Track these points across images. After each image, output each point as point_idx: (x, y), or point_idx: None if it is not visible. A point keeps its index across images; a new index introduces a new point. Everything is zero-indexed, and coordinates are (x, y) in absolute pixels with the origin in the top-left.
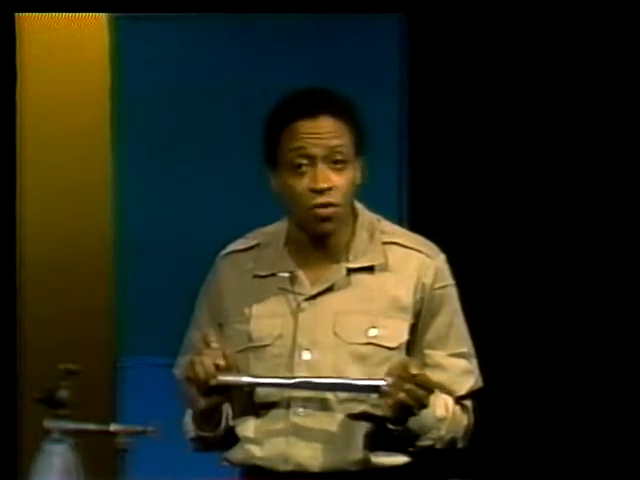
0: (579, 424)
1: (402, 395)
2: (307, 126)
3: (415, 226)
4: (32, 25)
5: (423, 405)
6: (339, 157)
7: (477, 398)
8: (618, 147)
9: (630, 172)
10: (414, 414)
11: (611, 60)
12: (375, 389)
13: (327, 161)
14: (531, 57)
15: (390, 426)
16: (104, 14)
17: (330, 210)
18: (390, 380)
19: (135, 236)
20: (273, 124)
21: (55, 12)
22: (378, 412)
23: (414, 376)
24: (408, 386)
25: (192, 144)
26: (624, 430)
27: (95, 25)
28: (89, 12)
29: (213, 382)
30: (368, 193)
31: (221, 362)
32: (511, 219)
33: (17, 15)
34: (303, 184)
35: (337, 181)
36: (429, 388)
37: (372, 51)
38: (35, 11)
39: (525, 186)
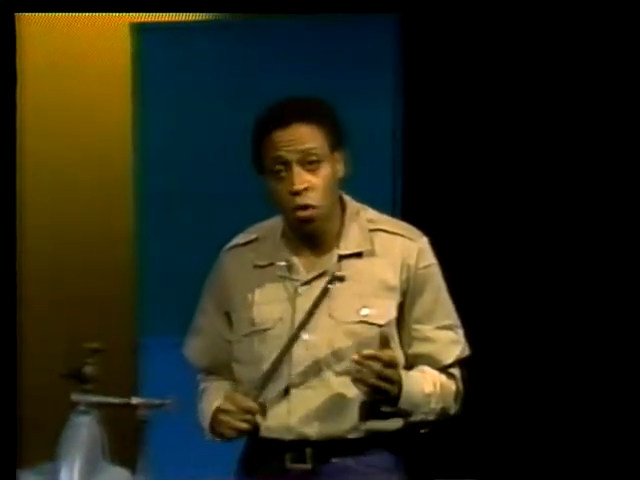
0: (569, 406)
1: (373, 380)
2: (280, 135)
3: (407, 219)
4: (32, 25)
5: (393, 381)
6: (313, 158)
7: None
8: (608, 144)
9: (618, 168)
10: (389, 393)
11: (608, 61)
12: None
13: (302, 164)
14: (523, 55)
15: (383, 409)
16: (104, 14)
17: (309, 212)
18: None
19: (155, 224)
20: (255, 136)
21: (55, 12)
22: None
23: (378, 357)
24: (377, 368)
25: (207, 142)
26: (615, 413)
27: (95, 25)
28: (88, 12)
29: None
30: (363, 189)
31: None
32: (501, 217)
33: (17, 15)
34: (283, 188)
35: (314, 181)
36: (394, 364)
37: (367, 50)
38: (35, 11)
39: (515, 181)
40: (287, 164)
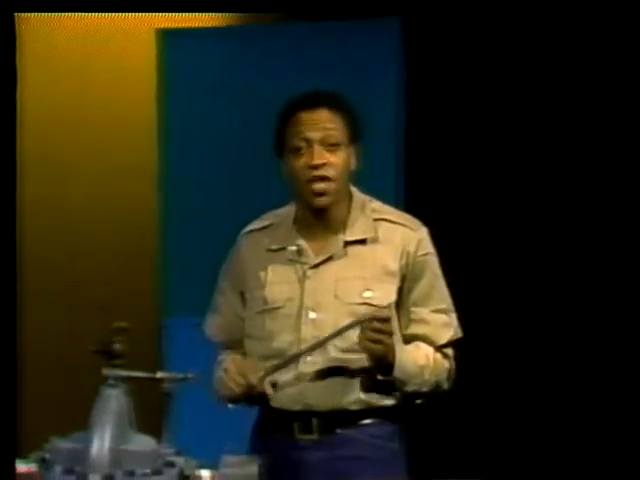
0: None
1: (370, 334)
2: (307, 116)
3: (409, 211)
4: (32, 25)
5: (390, 334)
6: (333, 140)
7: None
8: (608, 141)
9: (618, 167)
10: (386, 350)
11: (608, 62)
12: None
13: (323, 143)
14: (523, 54)
15: (379, 377)
16: (105, 14)
17: (324, 184)
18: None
19: (178, 212)
20: (282, 117)
21: (55, 12)
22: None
23: (374, 316)
24: (374, 325)
25: (228, 139)
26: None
27: (96, 25)
28: (88, 12)
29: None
30: (368, 184)
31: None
32: (495, 215)
33: (17, 15)
34: (302, 162)
35: (332, 159)
36: (387, 319)
37: (371, 52)
38: (35, 11)
39: (512, 178)
40: (309, 142)
